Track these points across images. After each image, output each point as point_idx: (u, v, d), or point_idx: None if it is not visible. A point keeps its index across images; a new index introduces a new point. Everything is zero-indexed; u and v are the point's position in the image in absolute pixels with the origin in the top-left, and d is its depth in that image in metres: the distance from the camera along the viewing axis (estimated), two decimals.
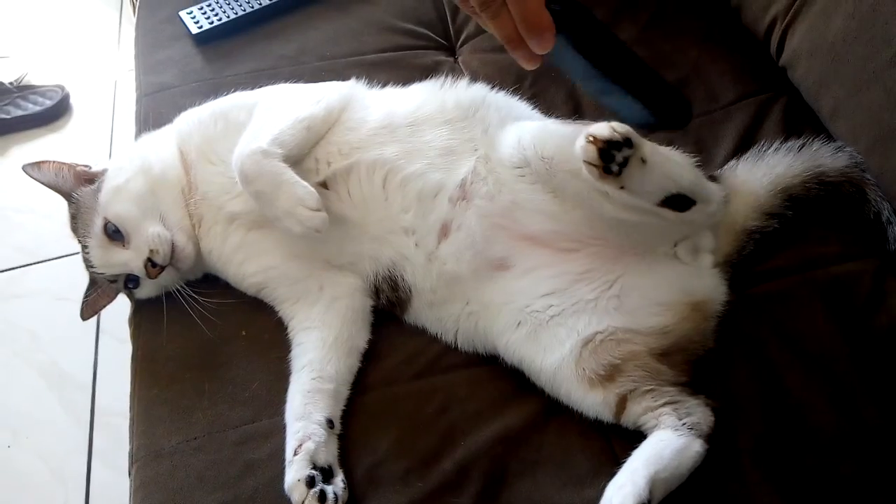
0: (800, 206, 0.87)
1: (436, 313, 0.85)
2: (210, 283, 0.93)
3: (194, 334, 0.87)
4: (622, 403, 0.74)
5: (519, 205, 0.82)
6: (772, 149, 0.89)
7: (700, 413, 0.73)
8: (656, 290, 0.79)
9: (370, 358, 0.85)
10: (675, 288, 0.79)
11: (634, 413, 0.74)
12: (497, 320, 0.81)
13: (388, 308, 0.88)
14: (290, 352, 0.85)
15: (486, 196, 0.82)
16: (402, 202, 0.84)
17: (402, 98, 0.92)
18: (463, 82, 0.92)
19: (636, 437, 0.73)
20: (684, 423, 0.71)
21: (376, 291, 0.87)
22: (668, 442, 0.70)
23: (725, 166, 0.90)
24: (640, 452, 0.70)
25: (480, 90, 0.91)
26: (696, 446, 0.70)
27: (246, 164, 0.80)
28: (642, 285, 0.79)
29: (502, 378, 0.82)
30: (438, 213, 0.83)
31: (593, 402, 0.75)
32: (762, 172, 0.88)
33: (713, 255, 0.82)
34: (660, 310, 0.78)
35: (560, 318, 0.78)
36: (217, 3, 1.23)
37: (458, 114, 0.87)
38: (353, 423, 0.79)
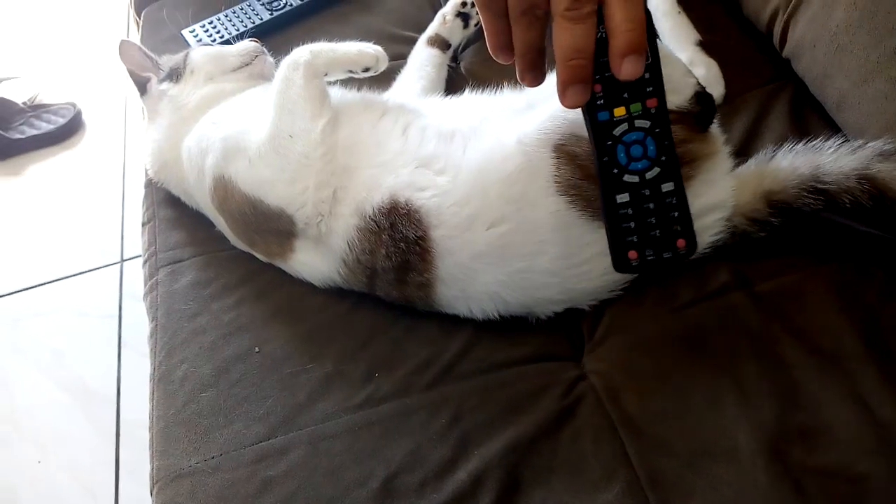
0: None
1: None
2: (225, 300, 0.94)
3: (209, 353, 0.89)
4: None
5: None
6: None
7: None
8: None
9: (382, 368, 0.86)
10: None
11: None
12: None
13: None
14: (303, 366, 0.86)
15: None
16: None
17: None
18: None
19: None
20: None
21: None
22: None
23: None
24: None
25: None
26: None
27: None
28: None
29: (512, 384, 0.82)
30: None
31: None
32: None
33: None
34: None
35: None
36: (219, 20, 1.24)
37: None
38: (366, 435, 0.80)
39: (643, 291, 0.85)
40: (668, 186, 0.59)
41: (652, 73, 0.56)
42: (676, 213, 0.60)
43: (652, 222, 0.60)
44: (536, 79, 0.56)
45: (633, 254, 0.61)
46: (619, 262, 0.62)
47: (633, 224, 0.60)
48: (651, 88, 0.56)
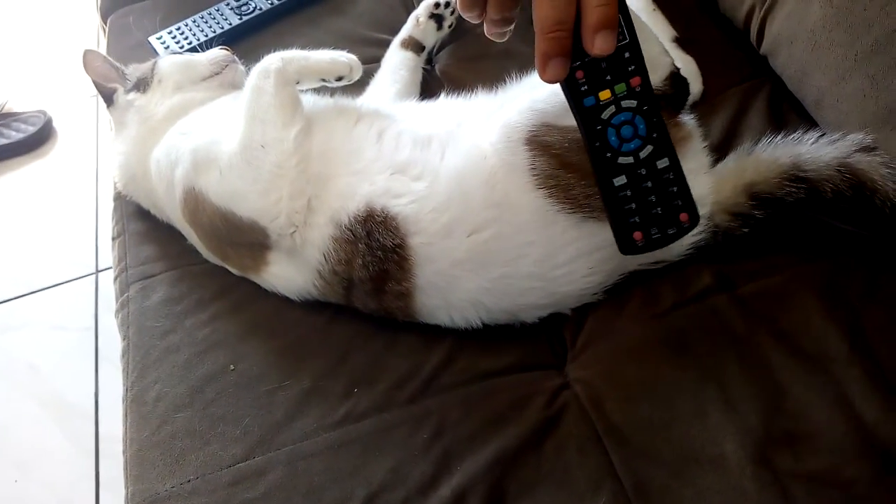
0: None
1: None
2: (198, 316, 0.92)
3: (182, 372, 0.86)
4: None
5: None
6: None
7: None
8: None
9: (361, 383, 0.84)
10: None
11: None
12: None
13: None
14: (280, 383, 0.84)
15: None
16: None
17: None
18: None
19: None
20: None
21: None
22: None
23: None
24: None
25: None
26: None
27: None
28: None
29: (495, 395, 0.81)
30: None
31: None
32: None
33: None
34: None
35: None
36: (186, 25, 1.21)
37: None
38: (346, 453, 0.78)
39: (625, 295, 0.84)
40: (663, 163, 0.59)
41: (632, 51, 0.56)
42: (675, 188, 0.59)
43: (652, 200, 0.60)
44: (502, 37, 0.58)
45: (637, 235, 0.61)
46: (625, 245, 0.61)
47: (633, 205, 0.60)
48: (633, 67, 0.56)
